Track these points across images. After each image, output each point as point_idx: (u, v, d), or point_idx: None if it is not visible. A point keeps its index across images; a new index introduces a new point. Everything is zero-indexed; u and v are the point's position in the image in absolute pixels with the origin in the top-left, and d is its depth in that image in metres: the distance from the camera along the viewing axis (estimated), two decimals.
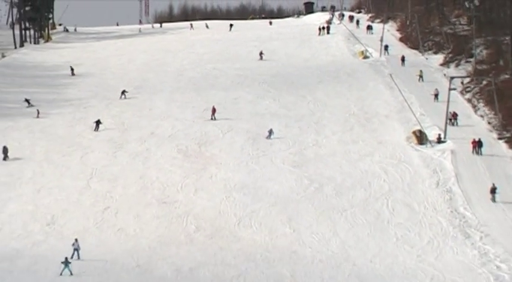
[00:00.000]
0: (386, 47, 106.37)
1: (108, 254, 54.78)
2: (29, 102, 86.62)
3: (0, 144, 76.22)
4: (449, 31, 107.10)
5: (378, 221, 62.53)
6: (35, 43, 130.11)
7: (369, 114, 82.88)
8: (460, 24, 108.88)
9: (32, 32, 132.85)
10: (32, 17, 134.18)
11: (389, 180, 68.58)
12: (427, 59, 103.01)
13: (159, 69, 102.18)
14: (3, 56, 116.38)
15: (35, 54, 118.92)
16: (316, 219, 62.65)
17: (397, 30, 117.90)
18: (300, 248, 58.43)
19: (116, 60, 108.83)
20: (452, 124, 78.36)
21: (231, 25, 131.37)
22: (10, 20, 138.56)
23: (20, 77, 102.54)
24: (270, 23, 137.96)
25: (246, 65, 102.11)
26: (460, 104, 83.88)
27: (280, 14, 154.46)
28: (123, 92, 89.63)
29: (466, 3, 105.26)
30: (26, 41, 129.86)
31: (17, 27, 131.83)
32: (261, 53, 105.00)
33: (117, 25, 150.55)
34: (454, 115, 79.65)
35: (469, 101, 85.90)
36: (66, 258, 50.25)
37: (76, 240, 54.23)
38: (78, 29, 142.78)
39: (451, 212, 63.56)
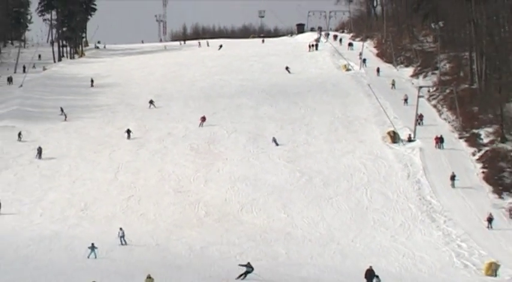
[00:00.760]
0: (364, 61, 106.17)
1: (132, 235, 54.82)
2: (62, 110, 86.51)
3: (42, 143, 76.39)
4: (418, 48, 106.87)
5: (358, 207, 62.85)
6: (70, 58, 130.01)
7: (351, 118, 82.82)
8: (427, 42, 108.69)
9: (68, 48, 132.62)
10: (68, 36, 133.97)
11: (367, 173, 68.78)
12: (398, 70, 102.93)
13: (175, 80, 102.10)
14: (45, 69, 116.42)
15: (70, 67, 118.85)
16: (306, 205, 62.92)
17: (374, 47, 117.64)
18: (293, 230, 58.78)
19: (139, 72, 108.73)
20: (419, 124, 78.42)
21: (221, 46, 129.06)
22: (50, 38, 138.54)
23: (58, 86, 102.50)
24: (263, 40, 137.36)
25: (247, 76, 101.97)
26: (427, 109, 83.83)
27: (276, 33, 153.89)
28: (151, 102, 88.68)
29: (432, 25, 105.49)
30: (63, 56, 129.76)
31: (56, 44, 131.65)
32: (287, 68, 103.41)
33: (142, 42, 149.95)
34: (421, 116, 79.82)
35: (434, 106, 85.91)
36: (92, 244, 49.68)
37: (121, 228, 53.78)
38: (107, 46, 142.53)
39: (420, 199, 63.83)
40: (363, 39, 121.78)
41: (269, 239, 56.49)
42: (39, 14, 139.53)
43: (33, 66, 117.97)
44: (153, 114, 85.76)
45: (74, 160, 73.37)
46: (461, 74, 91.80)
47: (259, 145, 75.25)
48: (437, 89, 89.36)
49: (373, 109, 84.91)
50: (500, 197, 65.55)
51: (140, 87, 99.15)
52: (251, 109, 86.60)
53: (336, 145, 75.11)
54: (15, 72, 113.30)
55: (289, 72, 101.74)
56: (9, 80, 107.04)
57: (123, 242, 53.10)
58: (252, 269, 44.64)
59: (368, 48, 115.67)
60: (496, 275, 50.52)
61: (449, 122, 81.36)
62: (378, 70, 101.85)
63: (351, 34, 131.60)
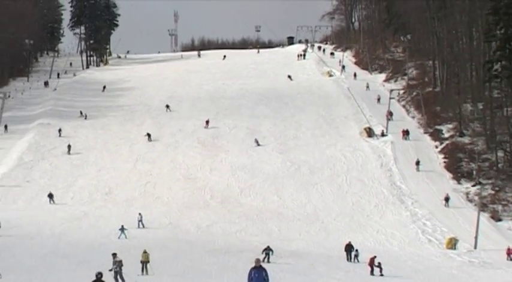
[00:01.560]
0: (343, 67, 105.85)
1: (148, 215, 54.83)
2: (81, 113, 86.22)
3: (72, 137, 76.48)
4: (389, 57, 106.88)
5: (339, 191, 62.92)
6: (96, 66, 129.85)
7: (333, 116, 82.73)
8: (397, 52, 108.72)
9: (94, 58, 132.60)
10: (94, 48, 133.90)
11: (347, 163, 68.80)
12: (372, 75, 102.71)
13: (184, 84, 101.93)
14: (75, 75, 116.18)
15: (96, 73, 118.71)
16: (295, 190, 62.97)
17: (353, 56, 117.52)
18: (284, 211, 58.91)
19: (154, 78, 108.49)
20: (389, 119, 78.44)
21: (224, 56, 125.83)
22: (79, 49, 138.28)
23: (86, 90, 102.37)
24: (258, 51, 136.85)
25: (246, 81, 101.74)
26: (397, 108, 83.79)
27: (270, 45, 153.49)
28: (167, 106, 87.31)
29: (401, 38, 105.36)
30: (90, 64, 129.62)
31: (84, 54, 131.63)
32: (289, 76, 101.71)
33: (159, 53, 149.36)
34: (390, 113, 79.77)
35: (403, 106, 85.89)
36: (122, 226, 49.16)
37: (140, 214, 53.03)
38: (127, 55, 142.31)
39: (391, 185, 63.93)
40: (343, 50, 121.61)
41: (264, 218, 56.61)
42: (70, 29, 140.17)
43: (65, 73, 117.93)
44: (166, 113, 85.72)
45: (100, 152, 73.40)
46: (426, 79, 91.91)
47: (255, 139, 75.19)
48: (405, 92, 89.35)
49: (352, 109, 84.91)
50: (459, 183, 65.75)
51: (155, 90, 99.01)
52: (249, 109, 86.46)
53: (320, 139, 75.08)
54: (50, 77, 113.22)
55: (291, 79, 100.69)
56: (46, 84, 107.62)
57: (141, 226, 52.53)
58: (272, 251, 42.96)
59: (347, 57, 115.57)
60: (455, 248, 50.77)
61: (416, 120, 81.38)
62: (355, 75, 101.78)
63: (333, 45, 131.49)
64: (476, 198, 61.23)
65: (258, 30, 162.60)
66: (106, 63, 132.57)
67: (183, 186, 64.24)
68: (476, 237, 51.84)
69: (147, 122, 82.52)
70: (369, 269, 40.86)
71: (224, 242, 49.51)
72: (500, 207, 60.99)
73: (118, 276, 32.31)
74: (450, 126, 76.96)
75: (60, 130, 78.89)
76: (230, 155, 70.78)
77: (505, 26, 67.67)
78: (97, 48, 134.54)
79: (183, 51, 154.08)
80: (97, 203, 60.35)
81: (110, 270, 32.74)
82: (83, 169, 68.83)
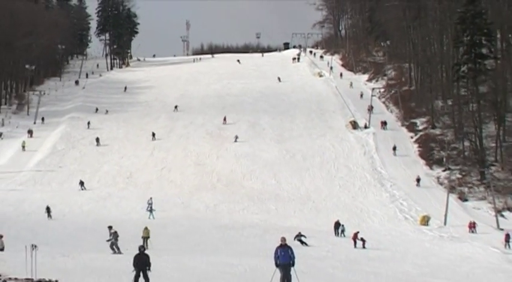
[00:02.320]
0: (331, 68, 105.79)
1: (163, 196, 54.92)
2: (97, 109, 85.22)
3: (99, 130, 76.40)
4: (371, 60, 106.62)
5: (328, 176, 62.86)
6: (119, 67, 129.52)
7: (323, 111, 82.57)
8: (378, 56, 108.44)
9: (117, 60, 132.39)
10: (117, 52, 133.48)
11: (335, 151, 68.73)
12: (357, 76, 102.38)
13: (195, 83, 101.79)
14: (101, 75, 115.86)
15: (119, 74, 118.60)
16: (290, 174, 62.87)
17: (340, 59, 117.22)
18: (281, 192, 58.82)
19: (169, 78, 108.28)
20: (370, 112, 78.27)
21: (238, 60, 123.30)
22: (105, 53, 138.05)
23: (110, 88, 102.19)
24: (262, 55, 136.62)
25: (248, 80, 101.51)
26: (378, 104, 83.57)
27: (269, 49, 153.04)
28: (176, 107, 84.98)
29: (382, 43, 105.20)
30: (114, 66, 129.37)
31: (108, 57, 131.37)
32: (278, 78, 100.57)
33: (174, 56, 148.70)
34: (371, 107, 79.70)
35: (383, 102, 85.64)
36: (150, 207, 49.03)
37: (151, 198, 51.36)
38: (146, 59, 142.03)
39: (372, 170, 63.91)
40: (332, 54, 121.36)
41: (263, 199, 56.54)
42: (97, 35, 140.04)
43: (92, 73, 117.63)
44: (179, 108, 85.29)
45: (122, 141, 73.28)
46: (403, 79, 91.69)
47: (255, 130, 75.19)
48: (385, 90, 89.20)
49: (339, 104, 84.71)
50: (431, 168, 65.80)
51: (169, 88, 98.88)
52: (250, 104, 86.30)
53: (312, 131, 74.95)
54: (79, 77, 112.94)
55: (279, 80, 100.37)
56: (76, 83, 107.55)
57: (150, 208, 49.84)
58: (305, 237, 39.93)
59: (335, 60, 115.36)
60: (427, 225, 50.78)
61: (394, 114, 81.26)
62: (341, 75, 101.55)
63: (323, 50, 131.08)
64: (445, 181, 61.22)
65: (258, 37, 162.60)
66: (127, 65, 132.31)
67: (193, 171, 64.18)
68: (445, 215, 51.91)
69: (162, 116, 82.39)
70: (353, 242, 40.95)
71: (229, 219, 49.58)
72: (466, 189, 61.05)
73: (114, 246, 32.11)
74: (423, 119, 76.89)
75: (88, 123, 78.89)
76: (234, 145, 70.61)
77: (471, 34, 67.86)
78: (120, 52, 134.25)
79: (194, 54, 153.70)
80: (119, 186, 60.34)
81: (107, 240, 32.63)
82: (107, 156, 68.76)
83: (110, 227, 33.62)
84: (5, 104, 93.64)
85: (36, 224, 43.74)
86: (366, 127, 75.39)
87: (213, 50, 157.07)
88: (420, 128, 75.34)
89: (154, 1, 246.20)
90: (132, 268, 20.66)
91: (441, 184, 61.53)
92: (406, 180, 61.49)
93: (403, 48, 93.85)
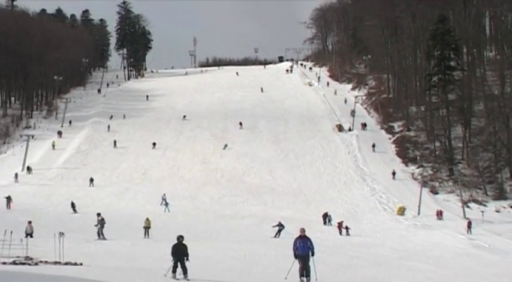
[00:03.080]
0: (319, 78, 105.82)
1: (174, 190, 54.90)
2: (111, 117, 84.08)
3: (118, 133, 76.29)
4: (354, 71, 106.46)
5: (317, 172, 62.80)
6: (135, 78, 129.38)
7: (312, 115, 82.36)
8: (361, 68, 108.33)
9: (134, 72, 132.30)
10: (134, 64, 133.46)
11: (323, 151, 68.58)
12: (342, 85, 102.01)
13: (201, 92, 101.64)
14: (119, 85, 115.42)
15: (135, 84, 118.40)
16: (284, 171, 62.81)
17: (327, 70, 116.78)
18: (276, 187, 58.76)
19: (178, 87, 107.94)
20: (353, 116, 78.22)
21: (237, 73, 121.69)
22: (123, 65, 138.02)
23: (128, 96, 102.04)
24: (264, 67, 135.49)
25: (247, 89, 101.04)
26: (360, 110, 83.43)
27: (265, 62, 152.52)
28: (184, 117, 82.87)
29: (364, 57, 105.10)
30: (131, 77, 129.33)
31: (126, 69, 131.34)
32: (261, 89, 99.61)
33: (185, 68, 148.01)
34: (353, 112, 79.51)
35: (365, 108, 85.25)
36: (165, 201, 48.64)
37: (164, 194, 50.90)
38: (158, 70, 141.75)
39: (356, 167, 63.85)
40: (320, 66, 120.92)
41: (261, 192, 56.49)
42: (116, 50, 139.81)
43: (112, 83, 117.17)
44: (187, 113, 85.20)
45: (138, 142, 73.13)
46: (382, 88, 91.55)
47: (254, 133, 74.89)
48: (367, 98, 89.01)
49: (326, 110, 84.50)
50: (406, 166, 65.78)
51: (179, 96, 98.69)
52: (249, 110, 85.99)
53: (303, 133, 74.78)
54: (101, 87, 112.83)
55: (262, 91, 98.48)
56: (99, 91, 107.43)
57: (165, 203, 49.18)
58: (283, 227, 37.58)
59: (323, 71, 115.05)
60: (403, 215, 50.80)
61: (374, 118, 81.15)
62: (328, 84, 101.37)
63: (312, 63, 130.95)
64: (419, 177, 61.38)
65: (256, 51, 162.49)
66: (142, 76, 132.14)
67: (200, 168, 64.15)
68: (419, 206, 52.04)
69: (172, 120, 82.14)
70: (338, 230, 40.97)
71: (231, 210, 49.55)
72: (437, 184, 61.16)
73: (99, 232, 31.43)
74: (400, 123, 76.87)
75: (108, 126, 78.84)
76: (235, 145, 70.49)
77: (441, 49, 68.16)
78: (135, 64, 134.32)
79: (200, 67, 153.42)
80: (136, 181, 60.30)
81: (95, 225, 32.19)
82: (125, 156, 68.73)
83: (98, 214, 32.97)
84: (37, 110, 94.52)
85: (63, 214, 43.77)
86: (350, 130, 75.31)
87: (217, 63, 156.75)
88: (397, 130, 75.33)
89: (166, 20, 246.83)
90: (171, 258, 18.50)
91: (415, 179, 61.54)
92: (384, 176, 61.49)
93: (382, 61, 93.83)
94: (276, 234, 37.41)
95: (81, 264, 20.55)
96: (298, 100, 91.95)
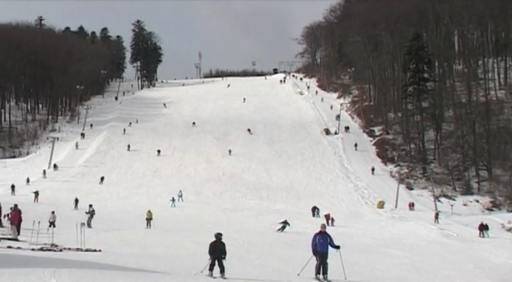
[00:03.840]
0: (308, 88, 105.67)
1: (181, 186, 54.78)
2: (130, 124, 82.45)
3: (132, 136, 76.20)
4: (340, 82, 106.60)
5: (307, 170, 62.79)
6: (148, 87, 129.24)
7: (303, 121, 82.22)
8: (345, 79, 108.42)
9: (146, 82, 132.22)
10: (146, 75, 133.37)
11: (312, 152, 68.61)
12: (329, 93, 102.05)
13: (206, 100, 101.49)
14: (133, 94, 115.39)
15: (148, 93, 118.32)
16: (278, 169, 62.79)
17: (316, 81, 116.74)
18: (271, 183, 58.77)
19: (185, 95, 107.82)
20: (338, 121, 77.85)
21: (228, 85, 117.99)
22: (136, 76, 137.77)
23: (141, 103, 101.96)
24: (266, 78, 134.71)
25: (246, 97, 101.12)
26: (345, 115, 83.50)
27: (262, 73, 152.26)
28: (194, 123, 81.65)
29: (348, 69, 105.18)
30: (143, 86, 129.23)
31: (139, 80, 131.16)
32: (244, 99, 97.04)
33: (192, 78, 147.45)
34: (337, 116, 79.52)
35: (349, 114, 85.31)
36: (172, 197, 48.13)
37: (180, 191, 50.47)
38: (168, 81, 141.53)
39: (341, 166, 63.92)
40: (310, 77, 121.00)
41: (258, 188, 56.49)
42: (131, 63, 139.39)
43: (127, 92, 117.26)
44: (193, 118, 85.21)
45: (149, 145, 72.90)
46: (364, 96, 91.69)
47: (251, 136, 74.94)
48: (351, 105, 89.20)
49: (315, 115, 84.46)
50: (385, 165, 65.92)
51: (186, 103, 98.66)
52: (248, 116, 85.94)
53: (294, 136, 74.80)
54: (117, 95, 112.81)
55: (244, 101, 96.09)
56: (116, 99, 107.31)
57: (181, 200, 49.01)
58: (288, 224, 35.52)
59: (312, 82, 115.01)
60: (383, 208, 50.86)
61: (357, 123, 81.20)
62: (317, 93, 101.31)
63: (303, 74, 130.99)
64: (396, 174, 61.45)
65: (254, 64, 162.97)
66: (154, 85, 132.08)
67: (204, 167, 64.14)
68: (396, 201, 52.14)
69: (180, 125, 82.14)
70: (325, 221, 41.00)
71: (231, 204, 49.52)
72: (412, 181, 61.30)
73: (89, 222, 30.43)
74: (380, 127, 77.02)
75: (124, 130, 78.76)
76: (235, 147, 70.47)
77: (416, 62, 68.43)
78: (148, 75, 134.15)
79: (204, 77, 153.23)
80: (148, 178, 60.24)
81: (86, 213, 31.42)
82: (138, 155, 68.67)
83: (90, 205, 32.32)
84: (61, 115, 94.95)
85: (84, 207, 43.64)
86: (336, 133, 75.38)
87: (219, 74, 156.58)
88: (377, 134, 75.45)
89: (174, 37, 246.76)
90: (208, 256, 15.59)
91: (393, 177, 61.65)
92: (366, 174, 61.55)
93: (364, 73, 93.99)
94: (279, 229, 36.95)
95: (100, 250, 20.58)
96: (290, 107, 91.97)
